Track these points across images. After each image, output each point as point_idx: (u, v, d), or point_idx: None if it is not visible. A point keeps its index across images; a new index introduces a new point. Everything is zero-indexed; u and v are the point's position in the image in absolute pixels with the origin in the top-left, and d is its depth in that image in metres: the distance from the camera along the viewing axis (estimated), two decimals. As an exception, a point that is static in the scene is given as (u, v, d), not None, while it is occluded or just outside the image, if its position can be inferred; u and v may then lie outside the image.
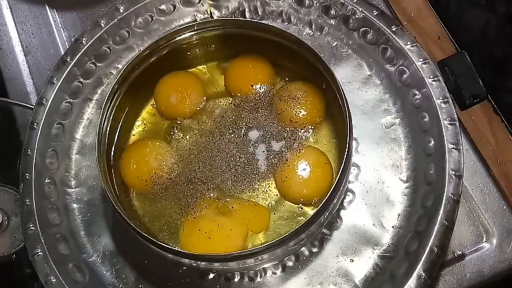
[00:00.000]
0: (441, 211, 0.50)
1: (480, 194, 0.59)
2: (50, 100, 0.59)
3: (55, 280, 0.52)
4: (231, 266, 0.48)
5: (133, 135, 0.58)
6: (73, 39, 0.68)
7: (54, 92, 0.59)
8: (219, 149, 0.55)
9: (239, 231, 0.51)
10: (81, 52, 0.60)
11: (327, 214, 0.49)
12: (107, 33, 0.61)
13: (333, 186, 0.47)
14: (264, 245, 0.45)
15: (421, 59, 0.56)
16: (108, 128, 0.54)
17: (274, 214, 0.53)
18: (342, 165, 0.47)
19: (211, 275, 0.54)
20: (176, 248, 0.46)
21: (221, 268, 0.51)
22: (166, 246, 0.46)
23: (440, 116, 0.54)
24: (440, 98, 0.54)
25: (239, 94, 0.57)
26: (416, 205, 0.53)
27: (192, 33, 0.56)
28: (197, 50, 0.59)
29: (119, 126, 0.56)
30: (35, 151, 0.57)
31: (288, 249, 0.48)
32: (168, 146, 0.56)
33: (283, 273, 0.54)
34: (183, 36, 0.56)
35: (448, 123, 0.53)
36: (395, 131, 0.57)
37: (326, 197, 0.46)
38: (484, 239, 0.58)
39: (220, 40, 0.58)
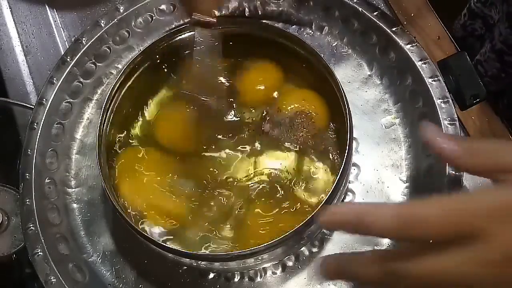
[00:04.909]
0: (441, 211, 0.50)
1: (480, 194, 0.59)
2: (50, 100, 0.59)
3: (55, 280, 0.52)
4: (231, 265, 0.48)
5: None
6: (73, 39, 0.67)
7: (54, 92, 0.59)
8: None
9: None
10: (81, 52, 0.60)
11: (327, 214, 0.48)
12: (107, 33, 0.61)
13: (333, 186, 0.47)
14: (264, 245, 0.45)
15: (421, 59, 0.56)
16: (108, 128, 0.54)
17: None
18: (342, 165, 0.47)
19: (211, 275, 0.54)
20: (176, 248, 0.46)
21: (221, 268, 0.51)
22: (166, 246, 0.46)
23: (440, 116, 0.54)
24: (440, 98, 0.54)
25: (245, 100, 0.57)
26: (416, 205, 0.53)
27: (192, 33, 0.56)
28: (197, 50, 0.59)
29: (119, 126, 0.56)
30: (35, 151, 0.57)
31: (288, 249, 0.48)
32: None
33: (283, 273, 0.54)
34: (183, 36, 0.56)
35: (448, 123, 0.53)
36: (395, 131, 0.57)
37: (326, 197, 0.46)
38: (484, 239, 0.58)
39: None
